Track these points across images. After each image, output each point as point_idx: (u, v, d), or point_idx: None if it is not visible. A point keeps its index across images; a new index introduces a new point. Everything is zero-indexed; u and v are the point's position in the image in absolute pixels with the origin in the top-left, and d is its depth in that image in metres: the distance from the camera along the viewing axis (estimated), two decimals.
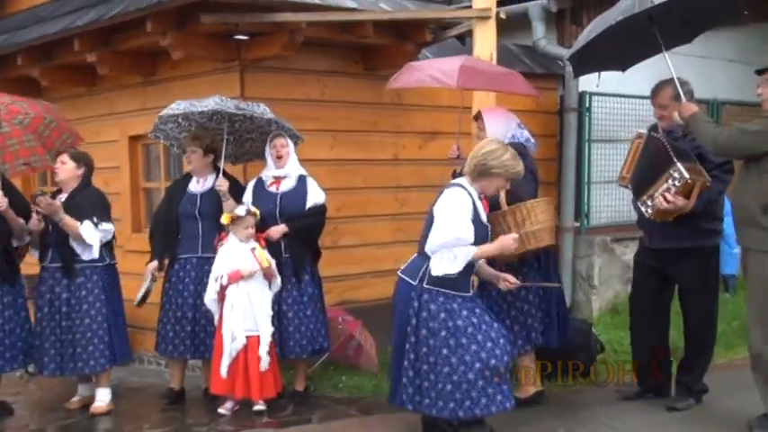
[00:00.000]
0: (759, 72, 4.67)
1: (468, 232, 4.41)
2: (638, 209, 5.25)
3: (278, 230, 5.58)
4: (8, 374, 5.85)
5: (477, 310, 4.56)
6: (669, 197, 4.77)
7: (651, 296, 5.40)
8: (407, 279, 4.56)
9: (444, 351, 4.40)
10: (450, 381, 4.40)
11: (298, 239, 5.63)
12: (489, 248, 4.55)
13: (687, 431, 4.78)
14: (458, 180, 4.69)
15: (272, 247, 5.57)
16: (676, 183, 4.76)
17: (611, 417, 5.06)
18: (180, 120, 5.75)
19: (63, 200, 5.57)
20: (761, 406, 4.66)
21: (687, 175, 4.71)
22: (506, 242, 4.53)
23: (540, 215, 4.91)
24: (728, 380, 5.44)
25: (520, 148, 5.14)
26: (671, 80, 5.01)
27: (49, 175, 8.16)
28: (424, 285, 4.47)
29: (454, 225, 4.39)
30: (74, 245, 5.53)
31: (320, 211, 5.73)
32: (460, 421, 4.57)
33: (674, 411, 5.15)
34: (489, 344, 4.45)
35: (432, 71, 5.50)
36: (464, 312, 4.47)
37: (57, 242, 5.55)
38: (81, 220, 5.47)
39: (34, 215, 5.50)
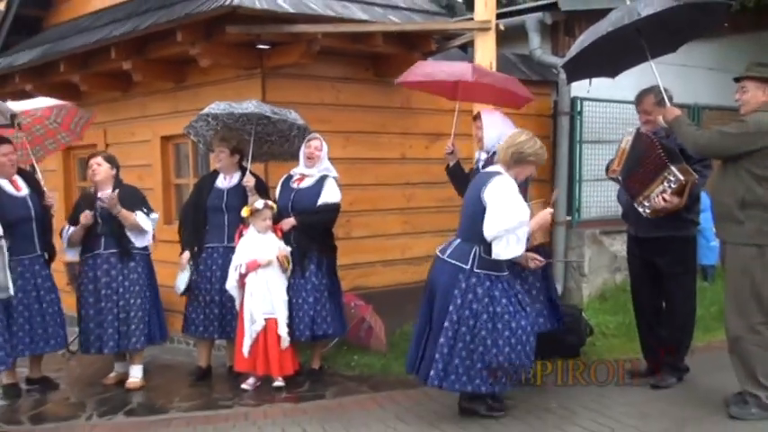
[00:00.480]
0: (737, 80, 4.67)
1: (527, 214, 4.45)
2: (623, 202, 5.29)
3: (287, 223, 5.61)
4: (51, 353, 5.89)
5: (514, 298, 4.57)
6: (667, 197, 4.80)
7: (645, 285, 5.41)
8: (456, 262, 4.49)
9: (483, 333, 4.42)
10: (481, 360, 4.43)
11: (304, 233, 5.62)
12: (531, 225, 4.56)
13: (670, 407, 4.76)
14: (494, 168, 4.66)
15: (283, 237, 5.61)
16: (672, 185, 4.79)
17: (599, 394, 5.04)
18: (210, 119, 5.78)
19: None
20: (737, 385, 4.65)
21: (682, 177, 4.75)
22: (545, 217, 4.60)
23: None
24: (707, 361, 5.44)
25: None
26: (653, 88, 5.04)
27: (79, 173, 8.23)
28: (474, 269, 4.46)
29: (516, 210, 4.42)
30: (129, 234, 5.62)
31: (330, 209, 5.68)
32: (476, 395, 4.59)
33: (658, 389, 5.15)
34: (519, 331, 4.50)
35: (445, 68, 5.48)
36: (504, 300, 4.49)
37: (112, 232, 5.61)
38: (133, 211, 5.60)
39: (86, 213, 5.56)
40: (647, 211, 4.95)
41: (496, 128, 5.30)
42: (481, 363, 4.43)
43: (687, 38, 5.37)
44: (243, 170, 5.82)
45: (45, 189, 5.71)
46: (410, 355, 4.77)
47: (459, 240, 4.59)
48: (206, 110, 5.62)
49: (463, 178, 5.45)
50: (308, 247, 5.64)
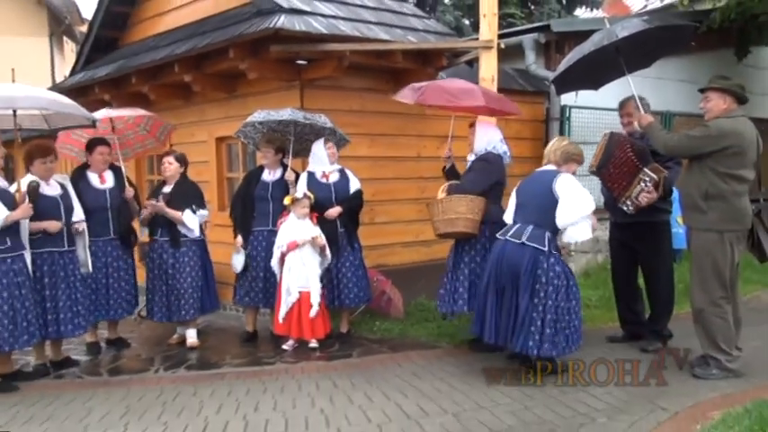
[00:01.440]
0: (701, 90, 4.63)
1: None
2: (605, 194, 5.27)
3: (336, 211, 5.63)
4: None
5: (570, 274, 4.59)
6: (648, 196, 4.81)
7: (625, 266, 5.40)
8: (537, 246, 4.45)
9: (563, 304, 4.44)
10: (563, 328, 4.43)
11: (348, 217, 5.71)
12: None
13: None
14: (548, 167, 4.72)
15: (329, 223, 5.61)
16: (648, 184, 4.79)
17: (610, 347, 5.06)
18: (257, 124, 5.78)
19: (170, 190, 5.70)
20: (700, 350, 4.65)
21: (656, 177, 4.77)
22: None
23: (461, 208, 4.93)
24: (675, 329, 5.38)
25: (495, 158, 5.18)
26: (633, 96, 5.00)
27: (155, 167, 8.28)
28: (552, 251, 4.47)
29: (589, 199, 4.50)
30: (179, 227, 5.67)
31: (360, 194, 5.80)
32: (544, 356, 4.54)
33: (645, 352, 5.13)
34: (579, 299, 4.60)
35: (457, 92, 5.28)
36: (570, 275, 4.55)
37: (165, 224, 5.67)
38: (183, 208, 5.64)
39: (144, 210, 5.67)
40: (631, 208, 4.94)
41: (486, 135, 5.28)
42: (563, 331, 4.44)
43: (660, 55, 5.32)
44: (284, 166, 5.84)
45: (127, 184, 5.75)
46: (479, 322, 4.65)
47: (531, 227, 4.51)
48: (250, 118, 5.63)
49: (457, 178, 5.42)
50: (353, 228, 5.74)
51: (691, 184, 4.52)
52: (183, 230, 5.69)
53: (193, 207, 5.71)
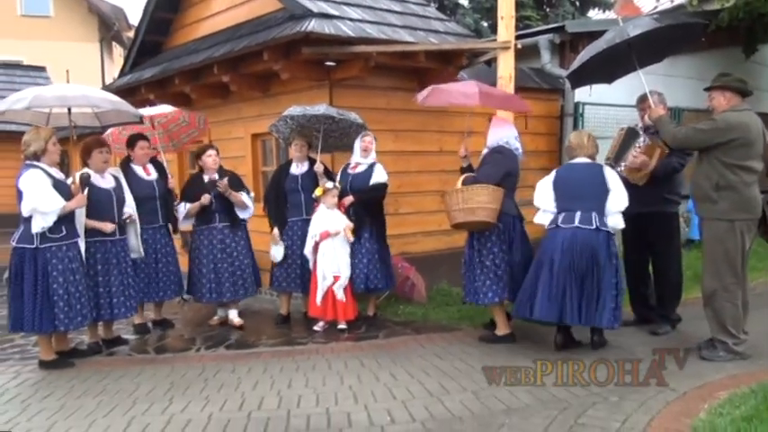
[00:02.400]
0: (707, 89, 4.56)
1: None
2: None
3: (347, 200, 5.62)
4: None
5: None
6: (635, 153, 4.85)
7: (635, 253, 5.31)
8: (607, 230, 4.55)
9: (621, 282, 4.65)
10: (617, 301, 4.55)
11: (360, 207, 5.62)
12: None
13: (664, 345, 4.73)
14: (585, 159, 4.73)
15: (345, 212, 5.60)
16: (639, 144, 4.86)
17: (618, 334, 4.96)
18: (288, 120, 5.78)
19: (216, 179, 5.69)
20: (708, 333, 4.57)
21: (647, 139, 4.81)
22: None
23: (481, 197, 4.78)
24: (684, 313, 5.29)
25: (508, 151, 5.07)
26: (651, 91, 4.93)
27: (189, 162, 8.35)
28: (611, 234, 4.58)
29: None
30: (236, 210, 5.71)
31: (379, 187, 5.67)
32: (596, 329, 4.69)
33: (655, 335, 5.07)
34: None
35: (456, 94, 5.22)
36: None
37: (224, 209, 5.69)
38: (238, 191, 5.72)
39: (206, 196, 5.62)
40: (621, 169, 4.93)
41: (500, 131, 5.15)
42: (620, 305, 4.59)
43: (671, 51, 5.21)
44: (310, 160, 5.83)
45: (169, 175, 5.81)
46: (547, 304, 4.53)
47: (595, 213, 4.54)
48: (286, 112, 5.61)
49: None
50: (363, 218, 5.64)
51: (701, 176, 4.44)
52: (239, 212, 5.73)
53: (246, 190, 5.82)
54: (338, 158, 6.28)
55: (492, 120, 5.32)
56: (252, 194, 5.94)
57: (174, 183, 5.89)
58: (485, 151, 5.23)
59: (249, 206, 5.80)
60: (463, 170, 5.45)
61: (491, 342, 5.02)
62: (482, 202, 4.77)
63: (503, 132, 5.16)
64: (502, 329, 5.05)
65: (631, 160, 4.87)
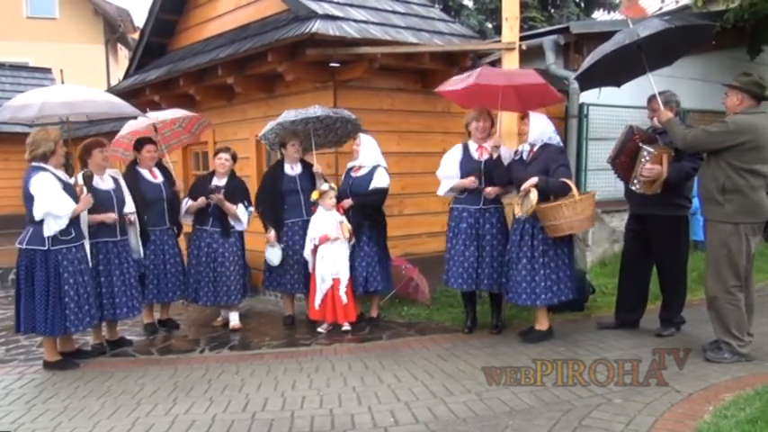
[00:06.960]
0: (727, 85, 4.47)
1: None
2: (627, 188, 5.12)
3: (346, 203, 5.59)
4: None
5: None
6: (648, 166, 4.71)
7: (634, 255, 5.27)
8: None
9: None
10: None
11: (358, 210, 5.57)
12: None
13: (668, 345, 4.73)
14: None
15: (344, 214, 5.59)
16: (647, 157, 4.72)
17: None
18: (278, 129, 5.75)
19: (223, 184, 5.70)
20: (713, 335, 4.55)
21: (653, 150, 4.70)
22: None
23: (590, 208, 4.70)
24: (688, 315, 5.27)
25: (560, 148, 5.02)
26: (662, 92, 4.90)
27: (201, 163, 8.36)
28: None
29: None
30: (230, 220, 5.70)
31: (378, 192, 5.58)
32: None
33: (660, 337, 5.06)
34: None
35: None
36: None
37: (217, 215, 5.68)
38: (236, 202, 5.67)
39: (202, 199, 5.64)
40: (638, 186, 4.83)
41: (541, 126, 4.99)
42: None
43: (680, 53, 5.19)
44: (301, 161, 5.84)
45: (175, 178, 5.82)
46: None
47: None
48: (279, 118, 5.58)
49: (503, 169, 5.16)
50: (361, 222, 5.60)
51: (708, 178, 4.41)
52: (232, 222, 5.72)
53: (245, 203, 5.75)
54: (342, 159, 6.28)
55: (530, 115, 5.06)
56: (251, 209, 5.84)
57: (181, 185, 5.89)
58: (525, 147, 5.04)
59: (243, 221, 5.73)
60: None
61: (538, 341, 4.99)
62: (590, 212, 4.74)
63: (543, 126, 5.00)
64: (545, 324, 5.10)
65: (646, 174, 4.72)
